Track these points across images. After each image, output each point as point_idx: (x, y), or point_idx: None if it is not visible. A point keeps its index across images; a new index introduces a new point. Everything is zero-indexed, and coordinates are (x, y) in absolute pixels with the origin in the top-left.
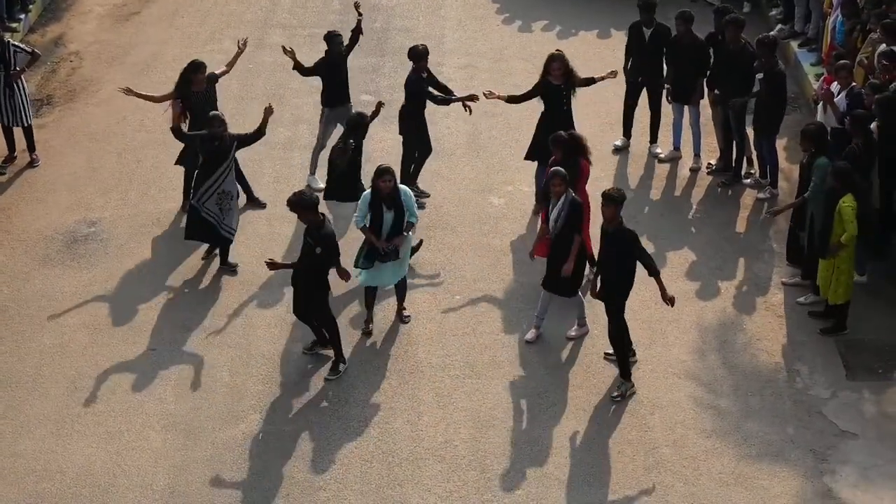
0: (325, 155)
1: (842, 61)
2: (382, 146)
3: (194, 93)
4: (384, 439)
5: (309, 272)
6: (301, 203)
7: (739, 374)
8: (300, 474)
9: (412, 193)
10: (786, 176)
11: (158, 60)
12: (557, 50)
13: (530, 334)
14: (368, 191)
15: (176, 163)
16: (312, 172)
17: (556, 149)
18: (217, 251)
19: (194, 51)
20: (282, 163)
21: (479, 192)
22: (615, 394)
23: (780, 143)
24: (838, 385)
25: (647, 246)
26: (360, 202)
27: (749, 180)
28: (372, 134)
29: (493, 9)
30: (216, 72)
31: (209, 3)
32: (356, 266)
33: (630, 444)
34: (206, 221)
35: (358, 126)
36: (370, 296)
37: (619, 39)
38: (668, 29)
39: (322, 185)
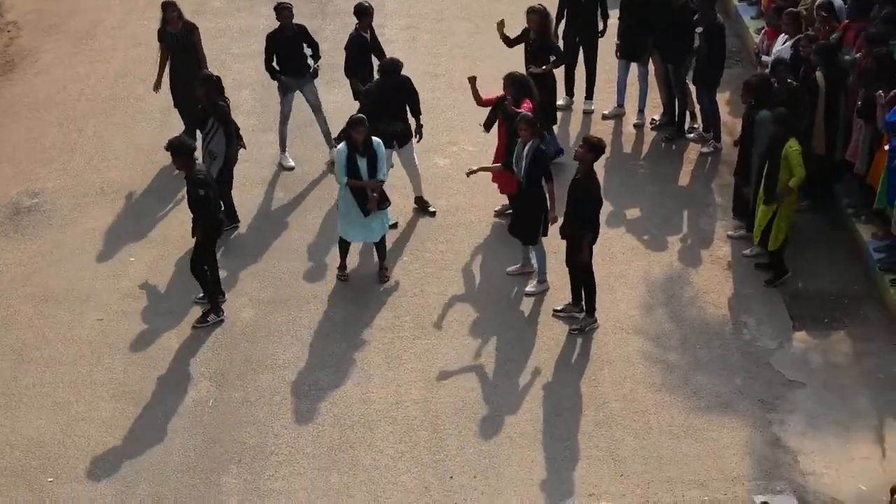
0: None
1: (791, 10)
2: (326, 108)
3: (169, 34)
4: (335, 402)
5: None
6: (177, 147)
7: (687, 328)
8: (252, 439)
9: (382, 143)
10: (729, 130)
11: (98, 28)
12: (539, 4)
13: (513, 268)
14: (343, 145)
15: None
16: (283, 150)
17: (507, 86)
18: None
19: (134, 17)
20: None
21: (422, 153)
22: (574, 326)
23: (723, 98)
24: (785, 335)
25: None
26: (337, 159)
27: (692, 135)
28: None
29: None
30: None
31: None
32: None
33: (581, 398)
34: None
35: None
36: (343, 248)
37: None
38: None
39: (292, 163)
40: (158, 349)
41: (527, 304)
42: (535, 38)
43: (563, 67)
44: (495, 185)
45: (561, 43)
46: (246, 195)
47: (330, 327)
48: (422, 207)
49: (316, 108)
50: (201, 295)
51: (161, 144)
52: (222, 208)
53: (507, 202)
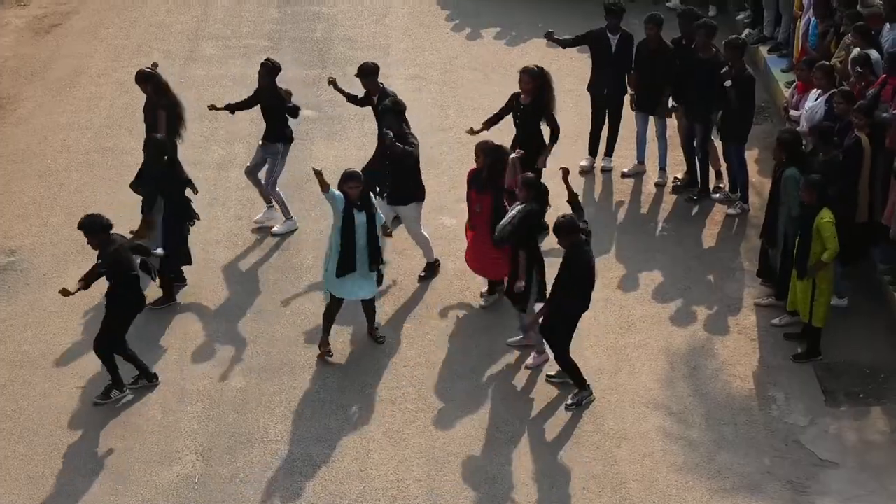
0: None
1: (822, 62)
2: (328, 164)
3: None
4: (331, 479)
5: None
6: (87, 226)
7: (711, 403)
8: None
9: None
10: (757, 190)
11: (82, 75)
12: (536, 66)
13: (515, 339)
14: (336, 193)
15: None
16: (287, 217)
17: (479, 156)
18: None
19: (120, 64)
20: (216, 184)
21: (430, 211)
22: (569, 402)
23: (751, 155)
24: (816, 412)
25: (613, 267)
26: (334, 203)
27: (718, 195)
28: (317, 150)
29: (441, 16)
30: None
31: (135, 13)
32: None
33: (595, 479)
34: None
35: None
36: (332, 312)
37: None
38: (632, 35)
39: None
40: (141, 420)
41: (537, 377)
42: (528, 102)
43: (591, 125)
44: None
45: (589, 99)
46: (235, 255)
47: (326, 398)
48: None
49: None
50: (136, 375)
51: None
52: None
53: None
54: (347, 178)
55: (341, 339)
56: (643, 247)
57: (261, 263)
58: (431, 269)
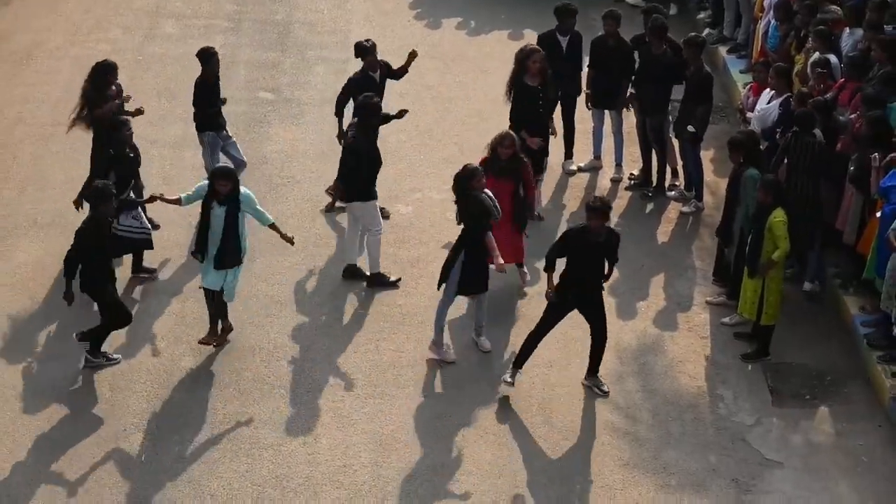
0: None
1: (778, 65)
2: (284, 148)
3: (110, 97)
4: (278, 462)
5: None
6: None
7: (659, 399)
8: (187, 500)
9: (254, 196)
10: (712, 190)
11: (40, 49)
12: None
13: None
14: (205, 182)
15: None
16: None
17: (508, 146)
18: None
19: (79, 39)
20: (171, 163)
21: (385, 199)
22: (604, 387)
23: (707, 154)
24: (763, 411)
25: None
26: (197, 186)
27: (673, 192)
28: (273, 133)
29: (403, 3)
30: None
31: None
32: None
33: (542, 472)
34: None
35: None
36: (210, 300)
37: (531, 39)
38: (581, 36)
39: None
40: (89, 397)
41: (488, 364)
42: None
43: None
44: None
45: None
46: (187, 236)
47: (276, 381)
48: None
49: (240, 163)
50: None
51: None
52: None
53: None
54: (221, 175)
55: (294, 324)
56: None
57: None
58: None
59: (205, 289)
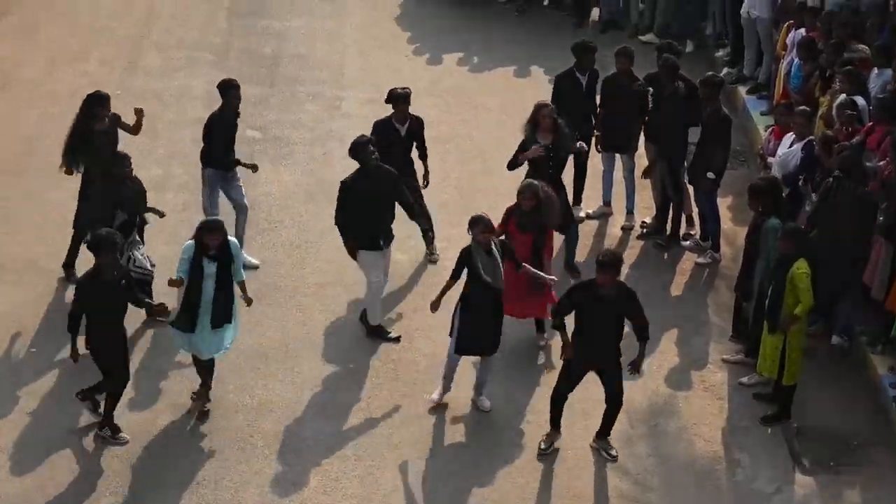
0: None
1: (801, 107)
2: (272, 190)
3: (96, 131)
4: None
5: None
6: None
7: (672, 465)
8: None
9: (239, 245)
10: (730, 240)
11: (14, 80)
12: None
13: (437, 395)
14: (192, 242)
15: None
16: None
17: (529, 198)
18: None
19: (58, 69)
20: (153, 204)
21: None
22: (612, 451)
23: (724, 202)
24: (784, 479)
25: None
26: (182, 252)
27: (688, 242)
28: (260, 175)
29: (402, 38)
30: (121, 117)
31: (75, 15)
32: (172, 325)
33: None
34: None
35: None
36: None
37: (537, 78)
38: (598, 74)
39: (256, 261)
40: (58, 458)
41: (486, 425)
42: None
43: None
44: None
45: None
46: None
47: (258, 441)
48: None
49: (241, 208)
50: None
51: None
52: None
53: None
54: (211, 228)
55: (278, 379)
56: None
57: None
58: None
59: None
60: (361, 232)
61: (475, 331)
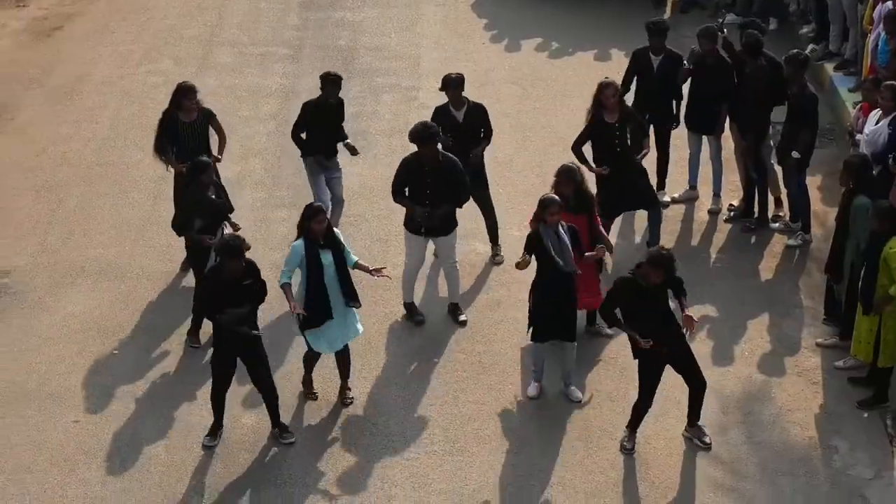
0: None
1: (888, 83)
2: (350, 183)
3: (183, 124)
4: None
5: None
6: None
7: (767, 452)
8: None
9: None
10: (820, 220)
11: (85, 83)
12: (606, 77)
13: (533, 389)
14: (300, 241)
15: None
16: None
17: (567, 182)
18: None
19: (127, 71)
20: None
21: (462, 237)
22: (706, 439)
23: (813, 182)
24: (883, 463)
25: None
26: (289, 255)
27: (777, 224)
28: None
29: (478, 25)
30: (216, 115)
31: (144, 16)
32: (301, 328)
33: None
34: None
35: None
36: (311, 361)
37: (620, 62)
38: (681, 57)
39: None
40: (143, 459)
41: (579, 418)
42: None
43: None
44: None
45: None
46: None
47: (345, 438)
48: (452, 315)
49: (338, 200)
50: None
51: (153, 218)
52: None
53: None
54: (315, 212)
55: (362, 376)
56: (694, 280)
57: (277, 293)
58: (455, 309)
59: (314, 354)
60: (408, 213)
61: (549, 316)
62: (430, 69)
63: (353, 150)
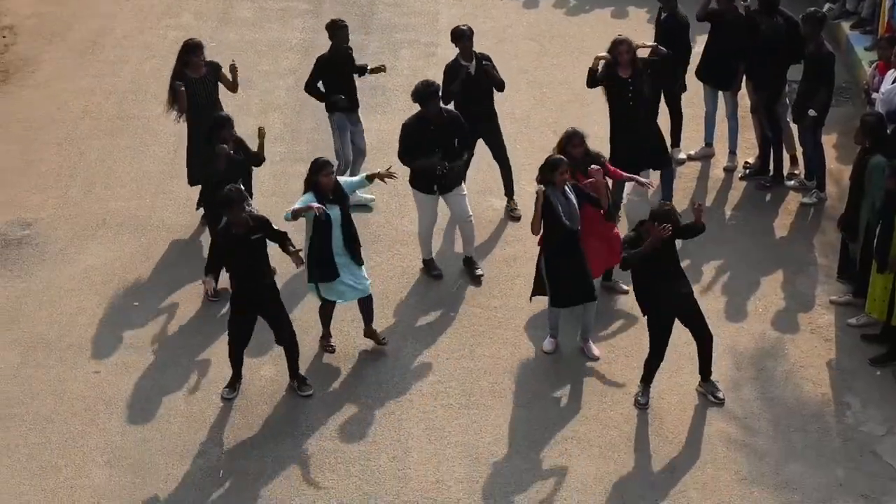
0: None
1: None
2: (369, 139)
3: (192, 80)
4: (366, 479)
5: None
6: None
7: (780, 408)
8: None
9: (346, 180)
10: (835, 178)
11: (106, 37)
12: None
13: (549, 344)
14: (309, 195)
15: (191, 183)
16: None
17: (577, 144)
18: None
19: (148, 25)
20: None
21: (477, 193)
22: (720, 394)
23: (829, 140)
24: (895, 420)
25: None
26: (302, 200)
27: (793, 182)
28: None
29: None
30: (221, 68)
31: None
32: (309, 281)
33: (652, 487)
34: None
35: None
36: (327, 311)
37: (637, 18)
38: (683, 19)
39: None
40: (162, 409)
41: (594, 373)
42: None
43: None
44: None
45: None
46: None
47: (363, 391)
48: (468, 270)
49: (360, 152)
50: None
51: (174, 171)
52: None
53: None
54: (322, 165)
55: (381, 328)
56: (709, 237)
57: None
58: (470, 263)
59: (323, 300)
60: (416, 173)
61: (567, 281)
62: (449, 25)
63: (379, 69)
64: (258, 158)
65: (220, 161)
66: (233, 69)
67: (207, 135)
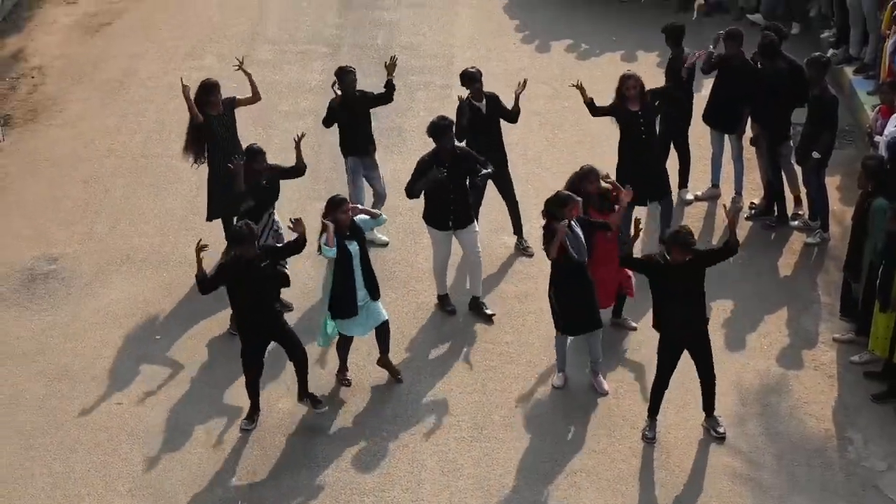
0: None
1: None
2: (385, 177)
3: (212, 117)
4: None
5: None
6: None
7: (784, 443)
8: None
9: (361, 218)
10: (838, 219)
11: (132, 77)
12: (628, 70)
13: (558, 379)
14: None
15: (209, 218)
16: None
17: (593, 180)
18: None
19: (172, 66)
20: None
21: (489, 231)
22: (720, 429)
23: (832, 181)
24: None
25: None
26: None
27: (797, 222)
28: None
29: (510, 26)
30: (237, 97)
31: (189, 13)
32: (333, 317)
33: None
34: None
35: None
36: (345, 346)
37: (646, 62)
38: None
39: (385, 238)
40: (183, 440)
41: (603, 407)
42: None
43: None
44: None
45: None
46: (294, 268)
47: (378, 424)
48: (477, 311)
49: (379, 197)
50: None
51: (196, 208)
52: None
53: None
54: (338, 203)
55: (396, 362)
56: (715, 275)
57: (313, 280)
58: (477, 304)
59: (346, 339)
60: (431, 210)
61: (573, 311)
62: (463, 67)
63: (390, 64)
64: (298, 169)
65: (237, 181)
66: (248, 76)
67: (241, 167)
